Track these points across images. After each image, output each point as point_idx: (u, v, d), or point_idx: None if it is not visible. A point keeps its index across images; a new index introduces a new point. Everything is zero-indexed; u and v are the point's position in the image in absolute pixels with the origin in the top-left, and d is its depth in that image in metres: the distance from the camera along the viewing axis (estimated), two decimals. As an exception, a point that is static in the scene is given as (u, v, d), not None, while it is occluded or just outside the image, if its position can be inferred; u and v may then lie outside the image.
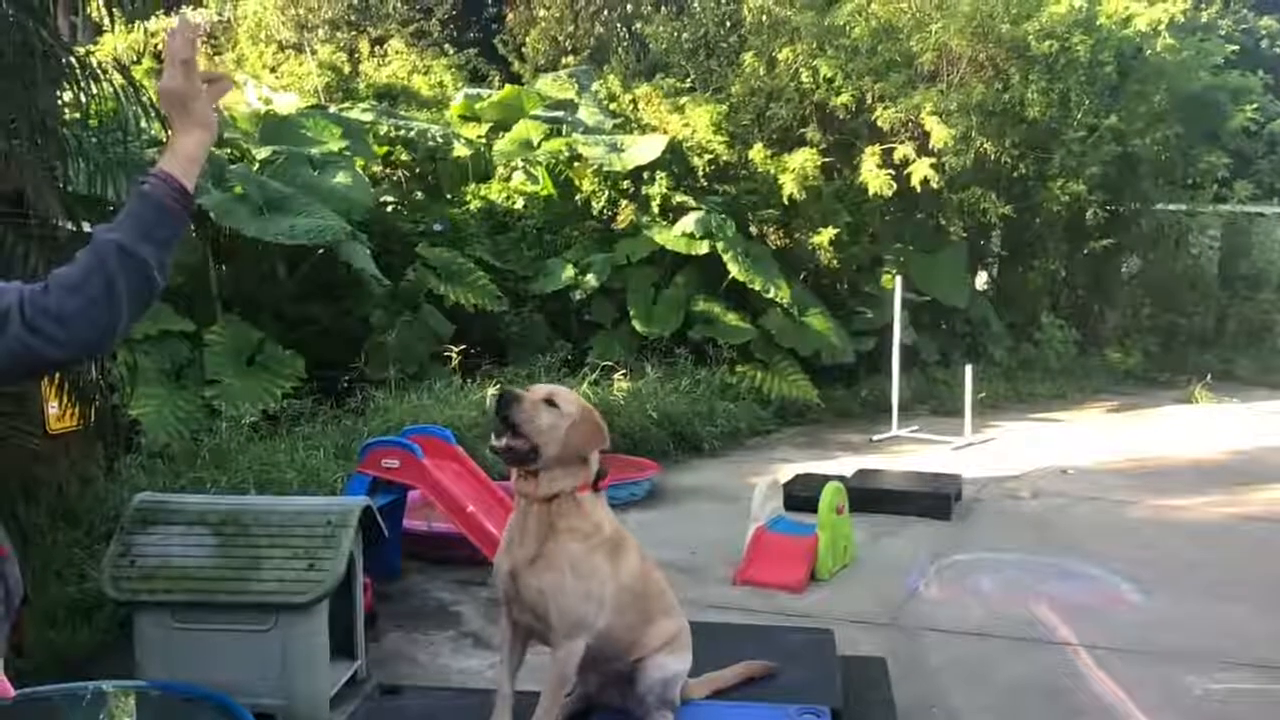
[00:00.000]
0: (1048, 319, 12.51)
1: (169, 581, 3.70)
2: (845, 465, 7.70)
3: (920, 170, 10.55)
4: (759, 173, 10.86)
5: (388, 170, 11.16)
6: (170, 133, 1.76)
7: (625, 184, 10.51)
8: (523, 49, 15.25)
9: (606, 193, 10.51)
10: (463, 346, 8.28)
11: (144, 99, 4.31)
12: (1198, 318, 13.75)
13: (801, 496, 6.25)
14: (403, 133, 10.61)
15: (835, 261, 11.13)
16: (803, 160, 10.44)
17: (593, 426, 2.84)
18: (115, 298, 1.58)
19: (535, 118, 11.00)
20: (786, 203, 10.58)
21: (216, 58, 13.55)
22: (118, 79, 4.35)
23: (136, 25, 11.58)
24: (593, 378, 8.39)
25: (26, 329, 1.56)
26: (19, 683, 1.97)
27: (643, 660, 2.95)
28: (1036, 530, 6.40)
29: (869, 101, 10.90)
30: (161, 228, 1.66)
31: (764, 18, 11.50)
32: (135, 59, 11.43)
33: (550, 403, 2.78)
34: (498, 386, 7.62)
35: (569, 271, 9.78)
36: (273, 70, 13.28)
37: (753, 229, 10.88)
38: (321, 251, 8.11)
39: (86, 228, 4.55)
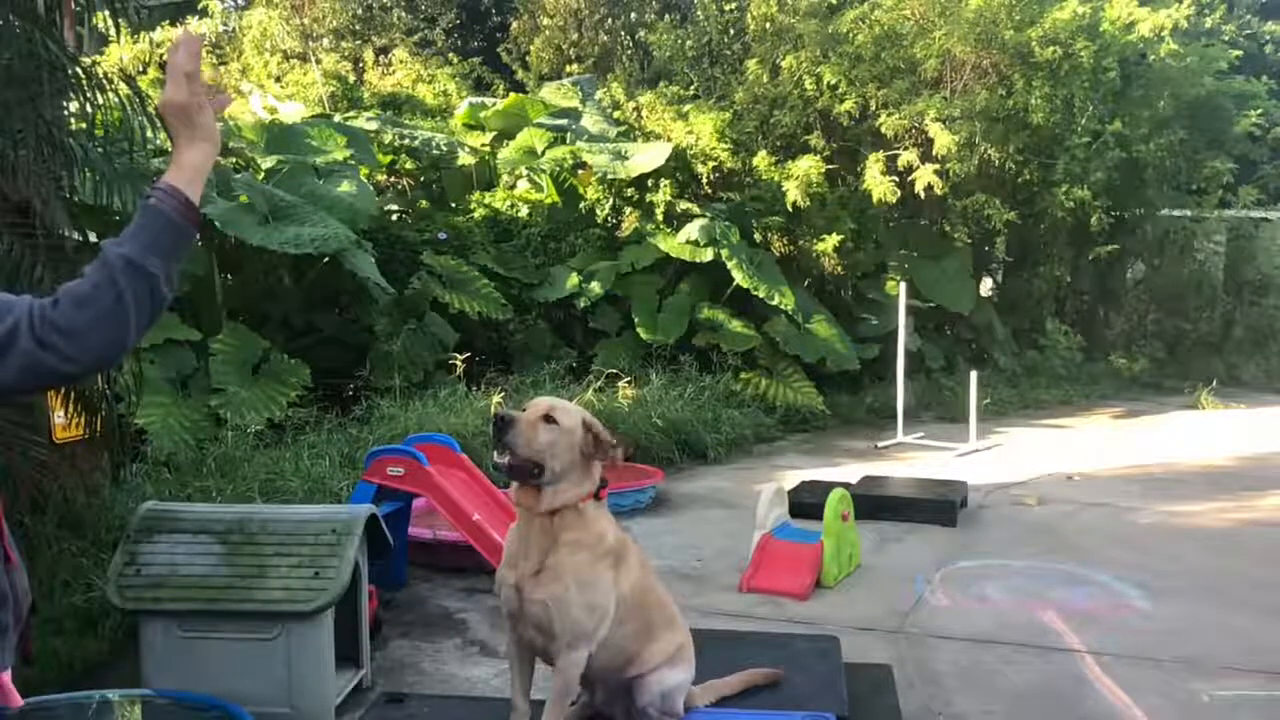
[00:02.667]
0: (1053, 325, 12.50)
1: (175, 590, 3.70)
2: (850, 472, 7.70)
3: (924, 177, 10.57)
4: (763, 180, 10.89)
5: (392, 179, 11.19)
6: (173, 146, 1.77)
7: (629, 191, 10.53)
8: (526, 57, 15.30)
9: (611, 200, 10.54)
10: (467, 354, 8.30)
11: (150, 109, 4.33)
12: (1204, 323, 13.73)
13: (807, 503, 6.26)
14: (407, 141, 10.65)
15: (839, 268, 11.16)
16: (806, 167, 10.46)
17: (595, 439, 2.83)
18: (124, 312, 1.59)
19: (539, 126, 11.02)
20: (790, 210, 10.60)
21: (221, 67, 13.59)
22: (124, 89, 4.37)
23: (142, 36, 11.63)
24: (597, 385, 8.39)
25: (37, 344, 1.57)
26: (26, 692, 1.98)
27: (642, 676, 2.95)
28: (1043, 537, 6.39)
29: (872, 108, 10.93)
30: (168, 241, 1.67)
31: (767, 25, 11.53)
32: (141, 69, 11.48)
33: (549, 418, 2.77)
34: (501, 396, 7.63)
35: (573, 279, 9.79)
36: (278, 80, 13.32)
37: (757, 236, 10.90)
38: (326, 260, 8.13)
39: (93, 238, 4.57)
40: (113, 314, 1.58)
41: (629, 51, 14.92)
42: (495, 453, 2.77)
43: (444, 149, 10.73)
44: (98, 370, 1.98)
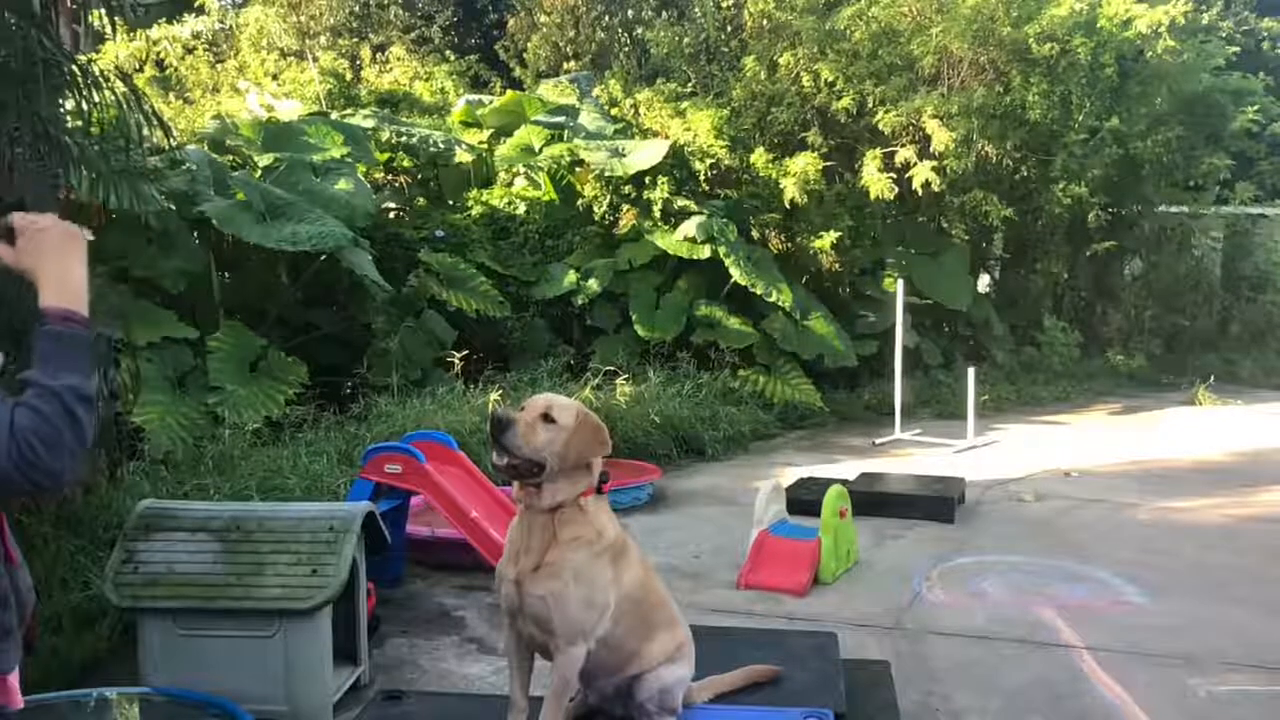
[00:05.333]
0: (1050, 321, 12.52)
1: (172, 588, 3.70)
2: (848, 469, 7.70)
3: (922, 173, 10.56)
4: (760, 177, 10.88)
5: (390, 176, 11.18)
6: (53, 268, 1.94)
7: (627, 189, 10.52)
8: (524, 55, 15.28)
9: (608, 198, 10.52)
10: (465, 352, 8.29)
11: (146, 107, 4.33)
12: (1201, 319, 13.75)
13: (805, 500, 6.26)
14: (404, 139, 10.63)
15: (837, 265, 11.15)
16: (804, 164, 10.45)
17: (592, 434, 2.82)
18: (82, 433, 1.85)
19: (537, 123, 11.02)
20: (788, 207, 10.60)
21: (218, 65, 13.58)
22: (120, 87, 4.37)
23: (139, 33, 11.60)
24: (595, 382, 8.39)
25: (15, 468, 1.77)
26: (24, 690, 1.98)
27: (642, 674, 2.95)
28: (1040, 533, 6.40)
29: (870, 105, 10.91)
30: (89, 359, 1.91)
31: (765, 22, 11.51)
32: (138, 67, 11.46)
33: (547, 417, 2.76)
34: (499, 393, 7.62)
35: (571, 276, 9.79)
36: (275, 77, 13.30)
37: (754, 233, 10.89)
38: (324, 258, 8.12)
39: (89, 236, 4.55)
40: (75, 441, 1.83)
41: (626, 48, 14.91)
42: (494, 454, 2.77)
43: (441, 146, 10.72)
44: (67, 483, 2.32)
